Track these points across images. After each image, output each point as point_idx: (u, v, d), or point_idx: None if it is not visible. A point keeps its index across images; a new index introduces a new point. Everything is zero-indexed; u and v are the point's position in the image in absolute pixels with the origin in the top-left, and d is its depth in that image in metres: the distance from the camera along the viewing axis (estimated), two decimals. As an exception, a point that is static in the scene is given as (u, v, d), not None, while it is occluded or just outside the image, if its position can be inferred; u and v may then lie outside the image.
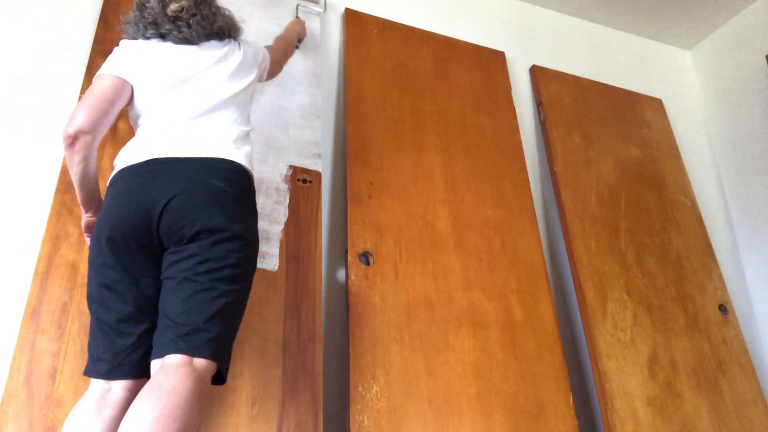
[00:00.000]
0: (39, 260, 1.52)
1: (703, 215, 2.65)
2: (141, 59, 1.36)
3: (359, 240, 1.85)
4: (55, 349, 1.44)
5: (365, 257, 1.84)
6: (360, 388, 1.62)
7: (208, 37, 1.44)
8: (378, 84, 2.18)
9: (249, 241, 1.25)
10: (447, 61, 2.39)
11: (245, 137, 1.39)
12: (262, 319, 1.61)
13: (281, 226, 1.77)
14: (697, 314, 2.26)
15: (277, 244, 1.74)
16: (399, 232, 1.92)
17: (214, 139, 1.31)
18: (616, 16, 2.91)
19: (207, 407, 1.46)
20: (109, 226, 1.21)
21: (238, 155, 1.32)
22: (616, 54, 2.93)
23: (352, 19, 2.30)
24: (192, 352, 1.11)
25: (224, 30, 1.47)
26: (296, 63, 2.08)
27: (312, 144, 1.95)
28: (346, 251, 1.83)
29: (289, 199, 1.83)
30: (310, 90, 2.05)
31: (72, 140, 1.24)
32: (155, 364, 1.13)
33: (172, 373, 1.07)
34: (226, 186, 1.25)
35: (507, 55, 2.59)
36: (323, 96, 2.17)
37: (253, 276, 1.29)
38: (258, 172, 1.81)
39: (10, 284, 1.55)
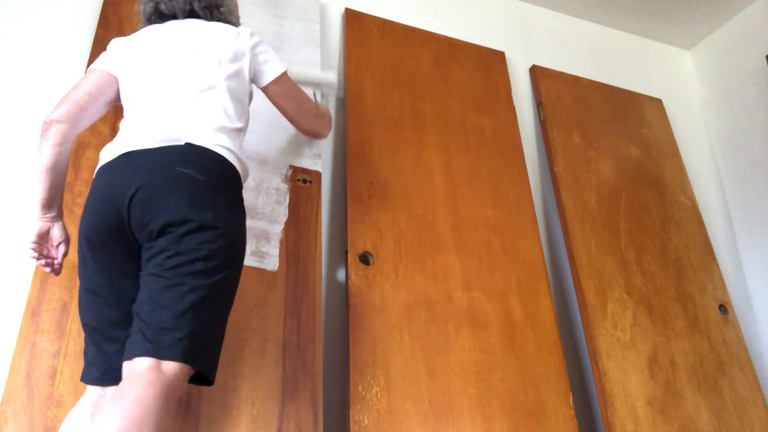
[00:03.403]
0: (39, 260, 1.52)
1: (703, 215, 2.64)
2: (126, 51, 1.34)
3: (359, 240, 1.85)
4: (55, 349, 1.44)
5: (365, 257, 1.84)
6: (360, 388, 1.62)
7: (195, 14, 1.42)
8: (378, 84, 2.18)
9: (224, 230, 1.16)
10: (447, 61, 2.39)
11: (232, 131, 1.29)
12: (262, 319, 1.61)
13: (281, 226, 1.77)
14: (697, 314, 2.26)
15: (277, 244, 1.74)
16: (399, 232, 1.92)
17: (189, 124, 1.23)
18: (616, 16, 2.91)
19: (207, 407, 1.46)
20: (85, 227, 1.17)
21: (214, 141, 1.23)
22: (616, 54, 2.93)
23: (352, 19, 2.30)
24: (159, 353, 1.03)
25: (212, 6, 1.43)
26: (296, 63, 2.08)
27: (312, 144, 1.95)
28: (346, 251, 1.83)
29: (289, 199, 1.82)
30: (310, 90, 2.05)
31: (46, 127, 1.23)
32: (125, 367, 1.06)
33: (136, 380, 1.01)
34: (195, 172, 1.17)
35: (507, 55, 2.59)
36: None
37: (238, 267, 1.20)
38: (258, 172, 1.81)
39: (10, 284, 1.55)
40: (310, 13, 2.23)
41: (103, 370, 1.16)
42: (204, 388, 1.47)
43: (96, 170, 1.24)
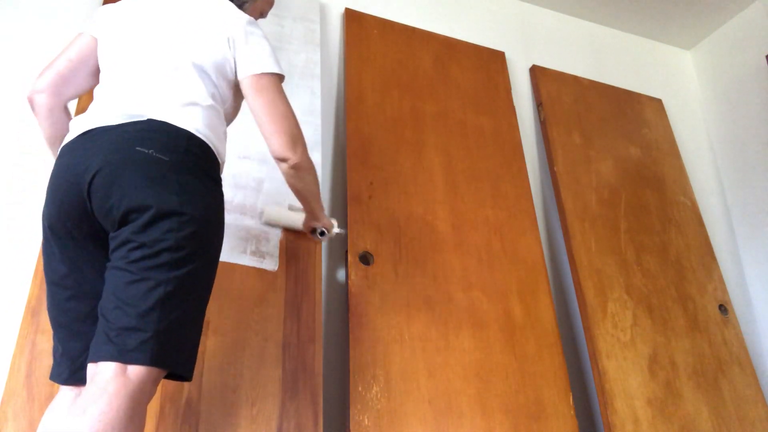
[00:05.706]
0: (39, 260, 1.52)
1: (703, 215, 2.65)
2: (113, 15, 1.25)
3: (359, 240, 1.85)
4: (55, 349, 1.44)
5: (365, 257, 1.84)
6: (360, 388, 1.62)
7: None
8: (378, 84, 2.18)
9: (192, 216, 1.05)
10: (447, 61, 2.39)
11: (204, 108, 1.16)
12: (262, 319, 1.61)
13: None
14: (697, 314, 2.26)
15: (277, 244, 1.74)
16: (399, 232, 1.92)
17: (154, 99, 1.13)
18: (616, 16, 2.91)
19: (207, 407, 1.46)
20: (48, 215, 1.09)
21: (180, 115, 1.12)
22: (616, 54, 2.93)
23: (352, 19, 2.30)
24: (124, 357, 0.95)
25: None
26: (296, 63, 2.08)
27: (312, 144, 1.95)
28: (346, 251, 1.83)
29: (289, 199, 1.82)
30: (310, 90, 2.05)
31: (30, 101, 1.20)
32: (89, 370, 0.99)
33: (100, 391, 0.93)
34: (157, 152, 1.06)
35: (507, 55, 2.59)
36: (323, 96, 2.17)
37: (212, 257, 1.11)
38: (258, 172, 1.81)
39: (10, 284, 1.55)
40: (310, 13, 2.23)
41: (72, 370, 1.10)
42: (204, 388, 1.47)
43: (59, 149, 1.15)
